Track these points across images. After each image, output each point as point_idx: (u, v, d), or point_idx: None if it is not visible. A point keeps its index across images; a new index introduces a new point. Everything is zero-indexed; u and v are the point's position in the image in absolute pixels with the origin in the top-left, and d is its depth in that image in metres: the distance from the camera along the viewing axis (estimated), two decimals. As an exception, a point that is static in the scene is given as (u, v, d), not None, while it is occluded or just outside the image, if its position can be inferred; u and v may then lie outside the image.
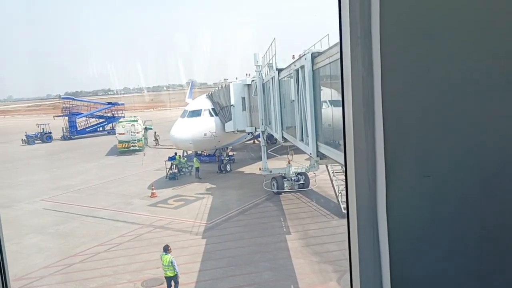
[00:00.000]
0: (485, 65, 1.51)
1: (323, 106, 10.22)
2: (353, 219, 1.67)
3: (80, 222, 21.44)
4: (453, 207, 1.58)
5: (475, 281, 1.61)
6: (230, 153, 33.84)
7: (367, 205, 1.62)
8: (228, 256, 16.02)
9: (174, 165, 30.76)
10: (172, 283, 13.44)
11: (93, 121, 63.32)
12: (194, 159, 30.98)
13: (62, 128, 59.21)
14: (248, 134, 31.18)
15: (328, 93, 9.87)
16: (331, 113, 9.59)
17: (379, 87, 1.52)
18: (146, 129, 48.89)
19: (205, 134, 28.27)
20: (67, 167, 36.95)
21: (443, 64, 1.51)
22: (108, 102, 68.37)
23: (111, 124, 62.68)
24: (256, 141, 37.76)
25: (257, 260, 15.52)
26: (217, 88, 32.35)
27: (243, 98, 28.11)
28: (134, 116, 48.31)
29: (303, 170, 24.34)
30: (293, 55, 18.31)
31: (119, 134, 43.35)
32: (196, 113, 29.19)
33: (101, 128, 62.78)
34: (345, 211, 19.05)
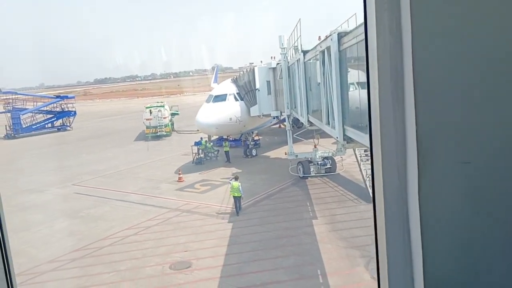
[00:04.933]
0: None
1: (350, 88, 9.87)
2: (380, 212, 1.45)
3: (110, 207, 21.94)
4: (497, 198, 1.34)
5: None
6: (256, 138, 33.73)
7: (396, 197, 1.40)
8: (255, 241, 16.03)
9: (201, 150, 30.95)
10: (238, 202, 19.16)
11: (40, 117, 57.26)
12: (224, 143, 31.06)
13: (5, 126, 53.31)
14: (274, 118, 30.91)
15: (355, 75, 9.49)
16: (358, 96, 9.23)
17: (409, 59, 1.27)
18: (172, 114, 49.30)
19: (230, 119, 28.18)
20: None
21: (488, 29, 1.23)
22: (56, 96, 62.52)
23: (61, 119, 57.67)
24: (282, 125, 37.47)
25: (283, 244, 15.46)
26: (242, 72, 32.08)
27: (268, 82, 27.79)
28: (161, 102, 48.75)
29: (330, 154, 23.97)
30: (319, 36, 17.83)
31: (146, 119, 43.92)
32: (221, 98, 29.08)
33: (49, 125, 56.88)
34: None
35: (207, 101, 29.86)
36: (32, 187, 27.40)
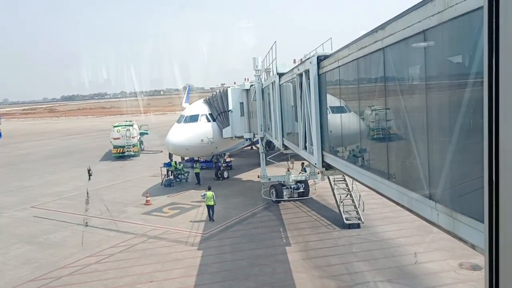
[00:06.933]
0: None
1: (330, 113, 9.49)
2: None
3: (71, 231, 20.59)
4: None
5: None
6: (228, 159, 33.07)
7: None
8: (226, 270, 15.21)
9: (170, 172, 29.96)
10: (211, 210, 20.85)
11: None
12: (195, 164, 30.29)
13: None
14: (246, 140, 30.43)
15: (335, 99, 9.14)
16: (340, 121, 8.85)
17: None
18: (141, 134, 48.02)
19: (202, 140, 27.49)
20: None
21: None
22: None
23: None
24: (254, 147, 37.06)
25: (255, 273, 14.71)
26: (214, 93, 31.60)
27: (242, 103, 27.38)
28: (130, 121, 47.44)
29: (303, 178, 23.59)
30: (294, 59, 17.68)
31: (113, 139, 42.52)
32: (193, 118, 28.42)
33: None
34: (347, 222, 18.52)
35: (178, 121, 29.10)
36: (-13, 209, 25.61)
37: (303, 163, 24.63)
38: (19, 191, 30.45)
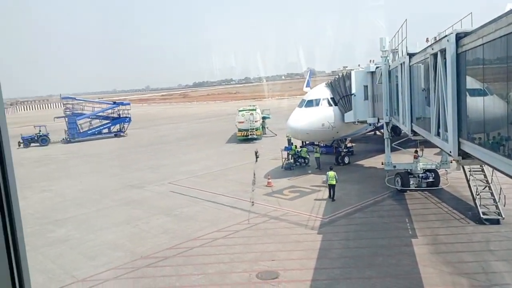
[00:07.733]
0: None
1: (470, 96, 8.50)
2: None
3: (201, 207, 22.43)
4: None
5: None
6: (349, 145, 32.31)
7: None
8: (346, 256, 15.02)
9: (290, 155, 30.48)
10: (332, 190, 21.55)
11: (96, 122, 59.66)
12: (316, 149, 30.32)
13: (64, 130, 56.48)
14: (370, 125, 29.29)
15: (477, 81, 8.15)
16: (481, 105, 7.88)
17: None
18: (264, 118, 49.64)
19: (323, 125, 27.26)
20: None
21: None
22: (113, 102, 64.28)
23: (118, 125, 59.67)
24: (378, 132, 35.54)
25: (378, 263, 14.23)
26: (337, 77, 30.96)
27: (366, 87, 26.33)
28: (253, 105, 49.39)
29: (433, 167, 21.83)
30: (427, 38, 16.28)
31: (238, 122, 44.78)
32: (314, 103, 28.31)
33: (106, 130, 59.39)
34: (484, 216, 16.66)
35: (299, 105, 29.28)
36: (134, 183, 29.33)
37: (416, 150, 22.53)
38: (159, 168, 34.16)
